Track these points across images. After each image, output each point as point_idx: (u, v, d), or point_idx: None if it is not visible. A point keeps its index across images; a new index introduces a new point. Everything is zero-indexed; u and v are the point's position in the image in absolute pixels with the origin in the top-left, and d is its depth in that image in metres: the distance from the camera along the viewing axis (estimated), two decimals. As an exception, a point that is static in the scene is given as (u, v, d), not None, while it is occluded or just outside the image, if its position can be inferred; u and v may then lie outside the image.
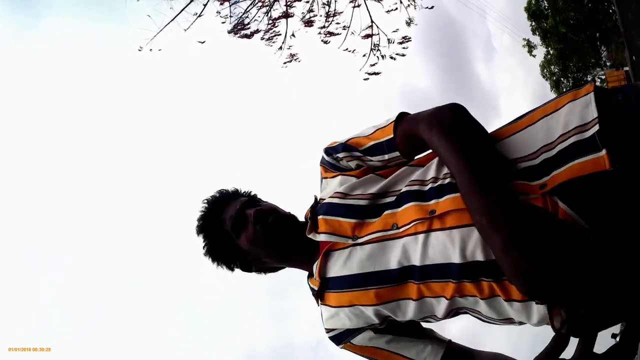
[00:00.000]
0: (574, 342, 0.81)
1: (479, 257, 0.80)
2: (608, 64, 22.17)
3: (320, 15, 9.19)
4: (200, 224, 1.18)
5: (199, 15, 8.28)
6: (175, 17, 8.13)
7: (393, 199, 0.96)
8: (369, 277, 0.94)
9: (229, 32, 8.95)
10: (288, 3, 8.80)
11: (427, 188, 0.90)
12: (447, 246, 0.83)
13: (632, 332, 0.80)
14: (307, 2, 8.96)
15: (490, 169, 0.78)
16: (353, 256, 0.96)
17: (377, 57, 9.43)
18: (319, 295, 1.05)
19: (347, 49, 9.43)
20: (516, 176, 0.80)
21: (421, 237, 0.86)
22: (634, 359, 0.81)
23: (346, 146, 1.05)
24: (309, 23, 9.17)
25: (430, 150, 0.99)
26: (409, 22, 10.23)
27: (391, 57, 9.44)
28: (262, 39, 9.11)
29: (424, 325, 1.08)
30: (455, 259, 0.82)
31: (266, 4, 8.74)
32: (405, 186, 0.95)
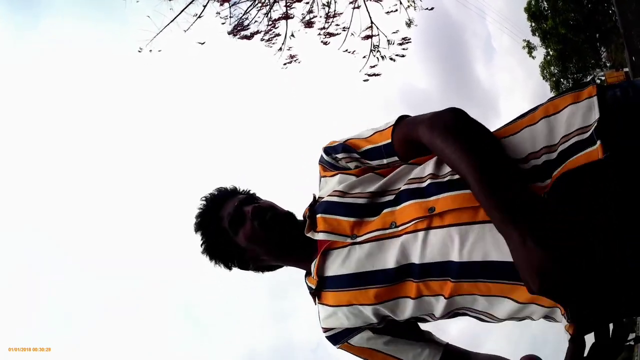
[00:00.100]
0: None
1: (477, 257, 0.79)
2: (608, 64, 22.17)
3: (320, 16, 9.21)
4: (198, 221, 1.18)
5: (199, 16, 8.30)
6: (175, 18, 8.15)
7: (392, 197, 0.95)
8: (368, 277, 0.93)
9: (229, 33, 8.96)
10: (288, 4, 8.81)
11: (425, 184, 0.90)
12: (446, 244, 0.83)
13: (618, 331, 0.80)
14: (307, 3, 8.98)
15: (501, 165, 0.77)
16: (352, 255, 0.96)
17: (377, 58, 9.45)
18: (317, 294, 1.05)
19: (347, 50, 9.46)
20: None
21: (421, 234, 0.86)
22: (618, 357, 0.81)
23: (345, 147, 1.05)
24: (308, 24, 9.18)
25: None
26: (408, 23, 10.25)
27: (391, 58, 9.46)
28: (262, 40, 9.13)
29: (422, 326, 1.08)
30: (454, 257, 0.82)
31: (265, 4, 8.75)
32: (404, 185, 0.95)
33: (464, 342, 1.10)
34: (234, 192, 1.22)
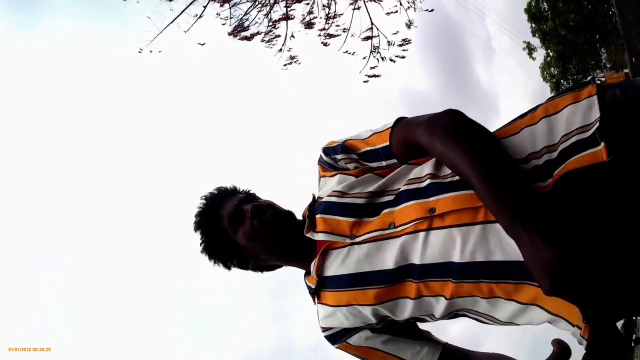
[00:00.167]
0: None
1: (479, 257, 0.79)
2: (608, 65, 22.17)
3: (320, 18, 9.24)
4: (198, 220, 1.18)
5: (199, 17, 8.32)
6: (176, 18, 8.17)
7: (391, 197, 0.95)
8: (367, 277, 0.93)
9: (229, 34, 8.99)
10: (288, 5, 8.82)
11: (424, 184, 0.90)
12: (447, 245, 0.82)
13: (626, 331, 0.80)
14: (307, 4, 8.99)
15: (504, 165, 0.77)
16: (351, 255, 0.96)
17: (377, 59, 9.47)
18: (316, 294, 1.05)
19: (347, 51, 9.48)
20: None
21: (421, 235, 0.86)
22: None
23: (344, 148, 1.06)
24: (309, 25, 9.20)
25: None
26: (408, 25, 10.26)
27: (391, 59, 9.48)
28: (262, 41, 9.15)
29: (421, 326, 1.08)
30: (456, 258, 0.81)
31: (266, 4, 8.76)
32: (404, 185, 0.94)
33: (463, 343, 1.10)
34: (234, 191, 1.22)
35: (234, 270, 1.22)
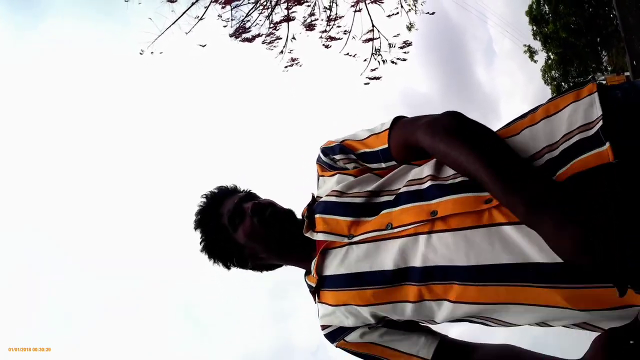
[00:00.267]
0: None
1: (484, 260, 0.78)
2: (609, 68, 22.19)
3: (322, 20, 9.24)
4: (198, 218, 1.18)
5: (201, 19, 8.33)
6: (177, 20, 8.18)
7: (391, 198, 0.94)
8: (365, 277, 0.93)
9: (230, 35, 8.99)
10: (289, 7, 8.83)
11: (425, 186, 0.88)
12: (451, 248, 0.81)
13: None
14: (309, 6, 9.01)
15: (512, 159, 0.76)
16: (349, 255, 0.95)
17: (378, 61, 9.47)
18: (316, 293, 1.05)
19: (348, 54, 9.48)
20: None
21: (422, 238, 0.84)
22: None
23: (343, 148, 1.06)
24: (310, 27, 9.21)
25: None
26: (410, 27, 10.28)
27: (392, 62, 9.48)
28: (264, 42, 9.15)
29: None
30: (460, 261, 0.80)
31: (267, 6, 8.77)
32: (404, 186, 0.93)
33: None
34: (234, 190, 1.22)
35: (234, 269, 1.22)
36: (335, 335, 1.06)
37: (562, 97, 0.83)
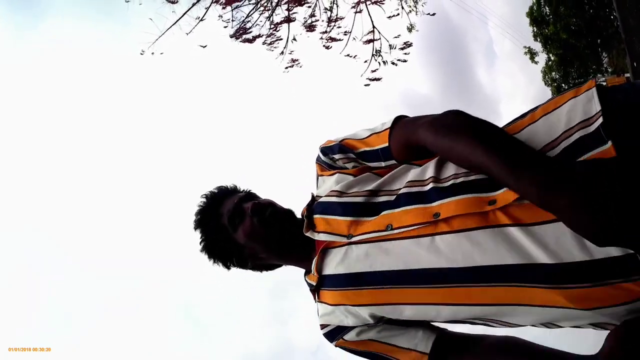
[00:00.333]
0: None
1: (488, 261, 0.77)
2: (609, 70, 22.20)
3: (322, 21, 9.26)
4: (198, 218, 1.18)
5: (201, 19, 8.35)
6: (178, 20, 8.20)
7: (391, 198, 0.93)
8: (364, 277, 0.92)
9: (231, 36, 9.01)
10: (290, 8, 8.84)
11: (427, 188, 0.87)
12: (454, 250, 0.80)
13: None
14: (309, 7, 9.02)
15: (518, 144, 0.76)
16: (349, 255, 0.95)
17: (379, 62, 9.48)
18: (316, 292, 1.05)
19: (348, 55, 9.50)
20: None
21: (425, 240, 0.83)
22: None
23: (342, 147, 1.06)
24: (310, 28, 9.22)
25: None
26: (410, 28, 10.30)
27: (392, 63, 9.49)
28: (264, 43, 9.17)
29: None
30: (463, 263, 0.79)
31: (268, 7, 8.79)
32: (405, 187, 0.92)
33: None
34: (234, 190, 1.22)
35: (234, 269, 1.22)
36: (334, 334, 1.06)
37: (562, 95, 0.83)
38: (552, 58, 21.48)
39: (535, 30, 21.08)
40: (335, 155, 1.08)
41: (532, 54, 22.42)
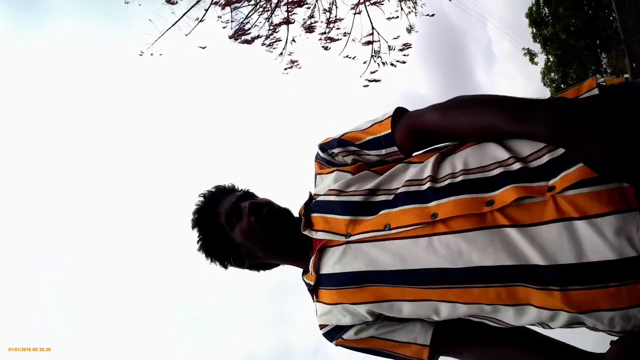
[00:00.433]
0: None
1: (487, 262, 0.77)
2: (608, 71, 22.18)
3: (321, 22, 9.26)
4: (195, 217, 1.18)
5: (200, 20, 8.34)
6: (177, 21, 8.19)
7: (390, 197, 0.93)
8: (362, 276, 0.92)
9: (230, 37, 9.01)
10: (289, 9, 8.85)
11: (425, 187, 0.87)
12: (452, 250, 0.80)
13: None
14: (308, 8, 9.03)
15: (523, 98, 0.77)
16: (347, 254, 0.95)
17: (378, 63, 9.48)
18: (314, 292, 1.05)
19: (347, 56, 9.49)
20: (521, 178, 0.76)
21: (423, 240, 0.84)
22: None
23: (341, 141, 1.06)
24: (309, 29, 9.22)
25: (426, 149, 0.99)
26: (409, 29, 10.31)
27: (392, 64, 9.49)
28: (263, 44, 9.17)
29: None
30: (462, 263, 0.79)
31: (267, 8, 8.79)
32: (402, 186, 0.92)
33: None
34: (232, 189, 1.22)
35: (231, 269, 1.22)
36: (333, 333, 1.06)
37: (562, 94, 0.83)
38: (551, 59, 21.49)
39: (534, 31, 21.09)
40: (335, 150, 1.08)
41: (531, 55, 22.43)
